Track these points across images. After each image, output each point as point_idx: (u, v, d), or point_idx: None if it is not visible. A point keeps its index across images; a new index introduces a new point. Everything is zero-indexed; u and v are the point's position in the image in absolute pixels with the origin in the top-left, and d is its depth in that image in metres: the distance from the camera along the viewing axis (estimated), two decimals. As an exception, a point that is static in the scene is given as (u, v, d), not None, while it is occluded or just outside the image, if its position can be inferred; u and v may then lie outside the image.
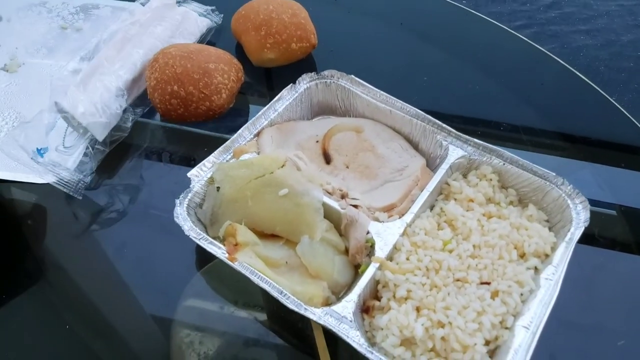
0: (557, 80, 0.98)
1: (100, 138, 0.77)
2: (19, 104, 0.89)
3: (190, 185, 0.68)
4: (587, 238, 0.66)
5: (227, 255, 0.62)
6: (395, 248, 0.64)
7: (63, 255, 0.74)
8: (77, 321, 0.67)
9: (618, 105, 0.93)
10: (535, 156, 0.84)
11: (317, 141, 0.78)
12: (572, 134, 0.89)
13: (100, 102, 0.77)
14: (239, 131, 0.74)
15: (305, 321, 0.58)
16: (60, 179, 0.73)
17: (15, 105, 0.88)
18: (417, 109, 0.76)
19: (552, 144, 0.87)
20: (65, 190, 0.74)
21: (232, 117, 0.84)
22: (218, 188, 0.68)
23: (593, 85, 0.97)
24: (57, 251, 0.74)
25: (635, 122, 0.90)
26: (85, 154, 0.76)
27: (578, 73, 0.99)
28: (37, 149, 0.74)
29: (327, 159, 0.76)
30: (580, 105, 0.94)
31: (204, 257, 0.70)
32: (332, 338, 0.60)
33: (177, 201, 0.66)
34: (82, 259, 0.74)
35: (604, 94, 0.96)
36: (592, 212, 0.66)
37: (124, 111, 0.81)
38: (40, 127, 0.75)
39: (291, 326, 0.65)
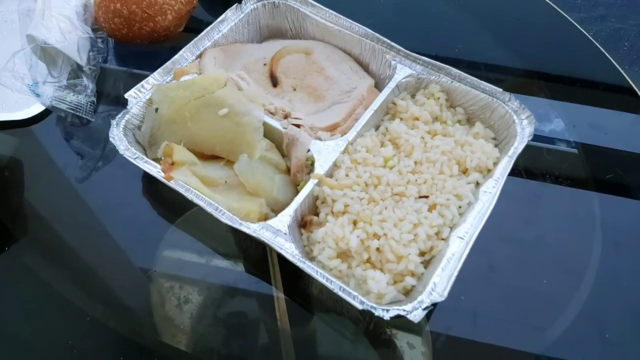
0: (532, 15, 0.94)
1: (83, 61, 0.73)
2: None
3: (128, 107, 0.67)
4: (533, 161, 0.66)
5: (162, 174, 0.61)
6: (335, 165, 0.63)
7: (33, 206, 0.71)
8: (56, 273, 0.66)
9: (593, 40, 0.90)
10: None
11: (265, 64, 0.76)
12: (542, 71, 0.86)
13: (70, 26, 0.72)
14: (180, 52, 0.72)
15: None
16: (71, 104, 0.70)
17: None
18: (366, 28, 0.74)
19: (509, 69, 0.86)
20: (78, 113, 0.71)
21: (180, 41, 0.81)
22: (157, 109, 0.66)
23: (570, 19, 0.93)
24: (31, 201, 0.72)
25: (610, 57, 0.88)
26: (78, 76, 0.72)
27: (554, 5, 0.95)
28: (28, 85, 0.71)
29: (274, 82, 0.74)
30: (555, 40, 0.91)
31: (180, 206, 0.67)
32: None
33: (114, 122, 0.65)
34: (50, 209, 0.71)
35: (580, 28, 0.92)
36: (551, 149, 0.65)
37: (94, 31, 0.77)
38: (21, 66, 0.71)
39: (257, 262, 0.65)
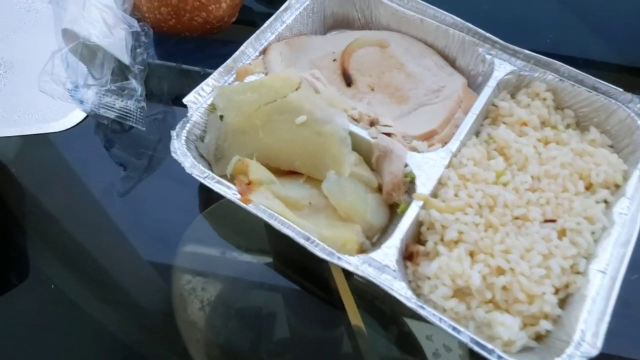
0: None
1: (124, 58, 0.62)
2: (3, 51, 0.74)
3: (188, 114, 0.56)
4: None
5: (239, 196, 0.51)
6: (440, 183, 0.53)
7: (51, 203, 0.64)
8: (74, 274, 0.60)
9: None
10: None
11: (335, 60, 0.65)
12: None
13: (114, 18, 0.61)
14: (241, 47, 0.61)
15: (315, 261, 0.49)
16: (119, 112, 0.61)
17: None
18: (454, 17, 0.63)
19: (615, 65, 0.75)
20: (127, 122, 0.62)
21: (234, 32, 0.70)
22: (221, 117, 0.56)
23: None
24: (45, 200, 0.64)
25: None
26: (125, 77, 0.62)
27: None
28: (68, 90, 0.60)
29: (348, 81, 0.63)
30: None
31: (206, 198, 0.60)
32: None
33: (174, 133, 0.54)
34: (71, 206, 0.64)
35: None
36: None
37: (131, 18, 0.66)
38: (59, 68, 0.60)
39: (299, 267, 0.57)
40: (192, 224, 0.62)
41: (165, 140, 0.58)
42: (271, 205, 0.50)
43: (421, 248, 0.51)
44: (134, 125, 0.61)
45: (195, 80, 0.61)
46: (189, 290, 0.58)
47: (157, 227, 0.63)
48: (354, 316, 0.54)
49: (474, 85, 0.64)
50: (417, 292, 0.50)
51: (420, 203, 0.51)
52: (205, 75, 0.59)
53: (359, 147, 0.56)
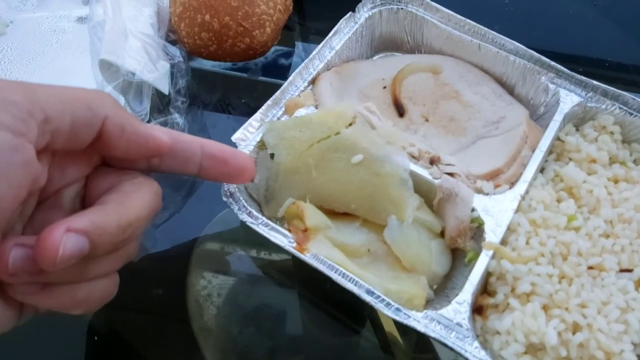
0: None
1: (166, 89, 0.58)
2: (21, 71, 0.70)
3: (237, 153, 0.53)
4: None
5: (294, 245, 0.48)
6: (510, 229, 0.50)
7: None
8: None
9: None
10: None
11: (385, 87, 0.62)
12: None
13: (156, 48, 0.58)
14: (290, 78, 0.58)
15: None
16: None
17: (17, 73, 0.69)
18: (515, 42, 0.60)
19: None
20: None
21: (277, 58, 0.67)
22: (272, 155, 0.53)
23: None
24: None
25: None
26: (162, 113, 0.59)
27: None
28: None
29: (401, 111, 0.60)
30: None
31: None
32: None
33: (224, 174, 0.51)
34: None
35: None
36: None
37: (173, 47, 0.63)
38: None
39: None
40: (208, 227, 0.60)
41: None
42: (331, 255, 0.47)
43: (490, 300, 0.48)
44: None
45: (238, 109, 0.59)
46: (204, 297, 0.56)
47: (172, 231, 0.61)
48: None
49: (535, 115, 0.60)
50: (484, 345, 0.47)
51: (490, 252, 0.48)
52: (250, 107, 0.56)
53: (419, 188, 0.53)
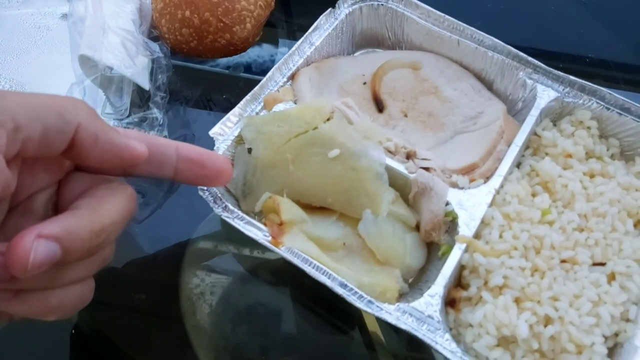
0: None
1: (146, 85, 0.59)
2: (5, 68, 0.70)
3: (215, 147, 0.53)
4: None
5: (269, 239, 0.48)
6: (484, 222, 0.51)
7: None
8: None
9: None
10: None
11: (365, 83, 0.62)
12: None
13: (135, 44, 0.58)
14: (269, 73, 0.58)
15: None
16: None
17: (1, 70, 0.69)
18: (493, 38, 0.60)
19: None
20: None
21: (258, 53, 0.67)
22: (250, 150, 0.53)
23: None
24: None
25: None
26: (142, 108, 0.59)
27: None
28: None
29: (380, 106, 0.61)
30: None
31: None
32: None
33: (200, 169, 0.52)
34: None
35: None
36: None
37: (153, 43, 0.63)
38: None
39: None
40: (201, 225, 0.60)
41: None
42: (305, 248, 0.48)
43: (463, 293, 0.49)
44: None
45: (219, 105, 0.59)
46: (197, 295, 0.56)
47: (165, 230, 0.61)
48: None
49: (513, 111, 0.61)
50: (457, 338, 0.48)
51: (463, 246, 0.49)
52: (232, 103, 0.56)
53: (395, 182, 0.53)
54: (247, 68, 0.69)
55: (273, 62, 0.71)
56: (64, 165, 0.36)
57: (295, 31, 0.74)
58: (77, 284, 0.35)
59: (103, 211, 0.33)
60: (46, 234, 0.29)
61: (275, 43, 0.72)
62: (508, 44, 0.60)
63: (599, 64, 0.72)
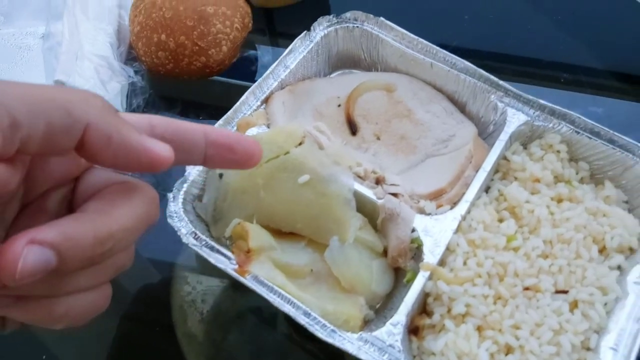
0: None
1: (122, 108, 0.60)
2: None
3: (186, 173, 0.54)
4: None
5: (236, 267, 0.49)
6: (449, 249, 0.51)
7: None
8: None
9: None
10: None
11: (339, 105, 0.63)
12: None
13: (108, 69, 0.59)
14: (243, 97, 0.59)
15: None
16: None
17: None
18: (465, 61, 0.60)
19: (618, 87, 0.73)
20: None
21: (235, 75, 0.68)
22: (221, 175, 0.54)
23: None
24: None
25: None
26: None
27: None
28: None
29: (353, 129, 0.61)
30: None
31: None
32: None
33: (170, 195, 0.53)
34: None
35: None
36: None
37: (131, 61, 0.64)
38: None
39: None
40: None
41: (163, 185, 0.56)
42: (271, 277, 0.49)
43: (427, 321, 0.49)
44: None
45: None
46: (189, 303, 0.57)
47: (157, 237, 0.59)
48: None
49: (485, 133, 0.61)
50: (421, 365, 0.49)
51: (427, 273, 0.50)
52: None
53: (364, 208, 0.54)
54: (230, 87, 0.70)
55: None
56: (81, 161, 0.32)
57: (274, 50, 0.75)
58: (86, 291, 0.31)
59: (113, 216, 0.30)
60: (40, 239, 0.26)
61: (254, 64, 0.72)
62: (484, 63, 0.60)
63: (574, 82, 0.72)
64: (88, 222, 0.29)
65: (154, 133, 0.32)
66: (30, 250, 0.26)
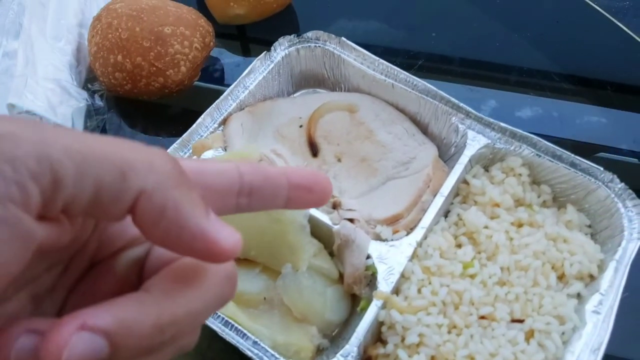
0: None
1: (80, 128, 0.59)
2: None
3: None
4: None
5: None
6: (403, 276, 0.50)
7: None
8: None
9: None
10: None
11: (301, 125, 0.62)
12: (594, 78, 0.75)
13: (60, 94, 0.58)
14: (199, 119, 0.58)
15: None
16: None
17: None
18: (426, 83, 0.60)
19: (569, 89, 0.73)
20: None
21: (196, 96, 0.67)
22: (174, 200, 0.53)
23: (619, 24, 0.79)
24: None
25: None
26: None
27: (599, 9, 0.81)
28: None
29: (314, 151, 0.60)
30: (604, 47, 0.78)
31: None
32: None
33: (121, 222, 0.51)
34: None
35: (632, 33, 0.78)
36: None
37: (88, 89, 0.63)
38: None
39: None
40: None
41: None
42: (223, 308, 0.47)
43: (381, 350, 0.48)
44: None
45: (158, 142, 0.58)
46: None
47: None
48: None
49: (446, 155, 0.60)
50: (375, 396, 0.48)
51: (381, 302, 0.49)
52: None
53: (320, 233, 0.53)
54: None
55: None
56: None
57: (238, 69, 0.74)
58: None
59: (179, 300, 0.25)
60: (92, 325, 0.23)
61: (215, 84, 0.71)
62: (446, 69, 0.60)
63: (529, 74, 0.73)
64: (150, 307, 0.24)
65: (242, 182, 0.28)
66: (80, 338, 0.23)
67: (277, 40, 0.63)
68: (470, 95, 0.71)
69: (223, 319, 0.46)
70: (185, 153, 0.57)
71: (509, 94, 0.73)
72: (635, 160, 0.68)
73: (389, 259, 0.50)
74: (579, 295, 0.51)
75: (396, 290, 0.50)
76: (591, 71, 0.76)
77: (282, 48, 0.63)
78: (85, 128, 0.58)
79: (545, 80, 0.74)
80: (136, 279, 0.28)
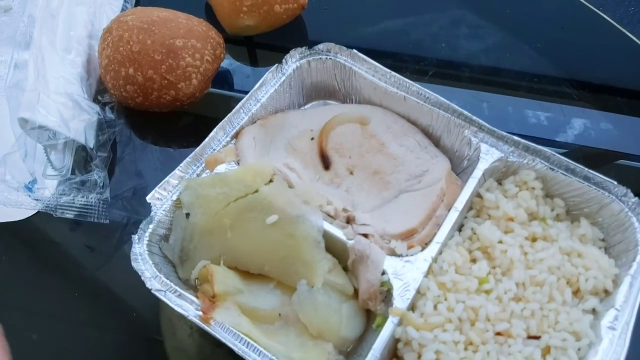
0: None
1: (91, 143, 0.59)
2: None
3: (152, 213, 0.53)
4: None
5: (200, 314, 0.47)
6: (419, 292, 0.50)
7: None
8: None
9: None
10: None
11: (313, 138, 0.62)
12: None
13: (73, 108, 0.58)
14: (211, 133, 0.57)
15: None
16: (80, 209, 0.57)
17: None
18: (438, 96, 0.60)
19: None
20: (89, 219, 0.58)
21: (207, 107, 0.66)
22: (188, 214, 0.53)
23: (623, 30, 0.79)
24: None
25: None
26: (84, 168, 0.59)
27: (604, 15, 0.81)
28: (25, 185, 0.57)
29: (326, 164, 0.60)
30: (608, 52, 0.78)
31: None
32: None
33: (135, 237, 0.51)
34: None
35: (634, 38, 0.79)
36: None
37: (99, 101, 0.63)
38: (12, 168, 0.57)
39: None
40: None
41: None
42: (236, 323, 0.47)
43: (397, 367, 0.48)
44: (95, 221, 0.57)
45: (168, 155, 0.58)
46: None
47: None
48: None
49: (459, 168, 0.60)
50: (391, 413, 0.47)
51: (397, 319, 0.48)
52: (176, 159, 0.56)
53: (334, 248, 0.53)
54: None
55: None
56: None
57: (247, 81, 0.74)
58: None
59: None
60: None
61: (225, 95, 0.71)
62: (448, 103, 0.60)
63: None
64: None
65: None
66: None
67: (286, 50, 0.63)
68: (479, 103, 0.71)
69: (238, 335, 0.46)
70: (198, 167, 0.56)
71: (520, 101, 0.73)
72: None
73: (405, 274, 0.50)
74: (594, 311, 0.51)
75: (412, 307, 0.50)
76: (601, 78, 0.76)
77: (294, 60, 0.63)
78: (97, 141, 0.58)
79: (555, 87, 0.74)
80: None
